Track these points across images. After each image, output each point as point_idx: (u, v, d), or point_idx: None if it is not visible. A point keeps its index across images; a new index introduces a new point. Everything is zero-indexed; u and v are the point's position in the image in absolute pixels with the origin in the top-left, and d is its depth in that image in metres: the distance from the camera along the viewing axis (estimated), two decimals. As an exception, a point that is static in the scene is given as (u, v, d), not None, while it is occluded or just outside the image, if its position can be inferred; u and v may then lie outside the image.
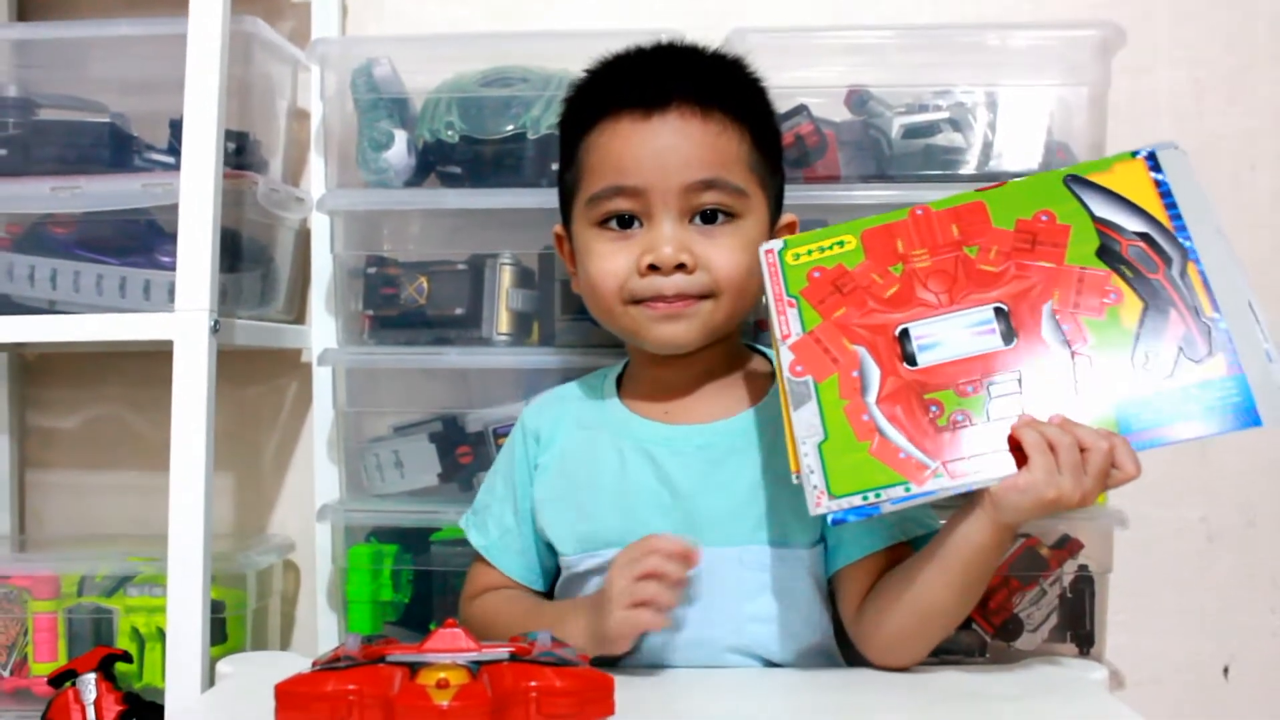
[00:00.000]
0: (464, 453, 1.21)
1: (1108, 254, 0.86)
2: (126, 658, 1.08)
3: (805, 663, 0.96)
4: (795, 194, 1.08)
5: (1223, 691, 1.34)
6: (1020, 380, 0.84)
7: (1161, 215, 0.87)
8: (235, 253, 1.20)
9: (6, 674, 1.20)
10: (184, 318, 1.08)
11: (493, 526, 1.04)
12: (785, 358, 0.87)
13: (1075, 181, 0.89)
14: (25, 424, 1.45)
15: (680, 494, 0.96)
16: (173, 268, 1.09)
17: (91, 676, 1.03)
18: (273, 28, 1.25)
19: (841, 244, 0.91)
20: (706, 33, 1.07)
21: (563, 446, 1.03)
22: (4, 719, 1.19)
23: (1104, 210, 0.87)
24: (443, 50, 1.26)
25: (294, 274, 1.35)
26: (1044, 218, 0.88)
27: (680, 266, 0.93)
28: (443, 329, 1.21)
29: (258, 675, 0.89)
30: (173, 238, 1.09)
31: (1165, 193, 0.87)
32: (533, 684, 0.74)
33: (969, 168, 1.16)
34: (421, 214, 1.25)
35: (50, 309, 1.18)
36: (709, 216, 0.95)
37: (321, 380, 1.30)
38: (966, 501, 0.86)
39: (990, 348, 0.85)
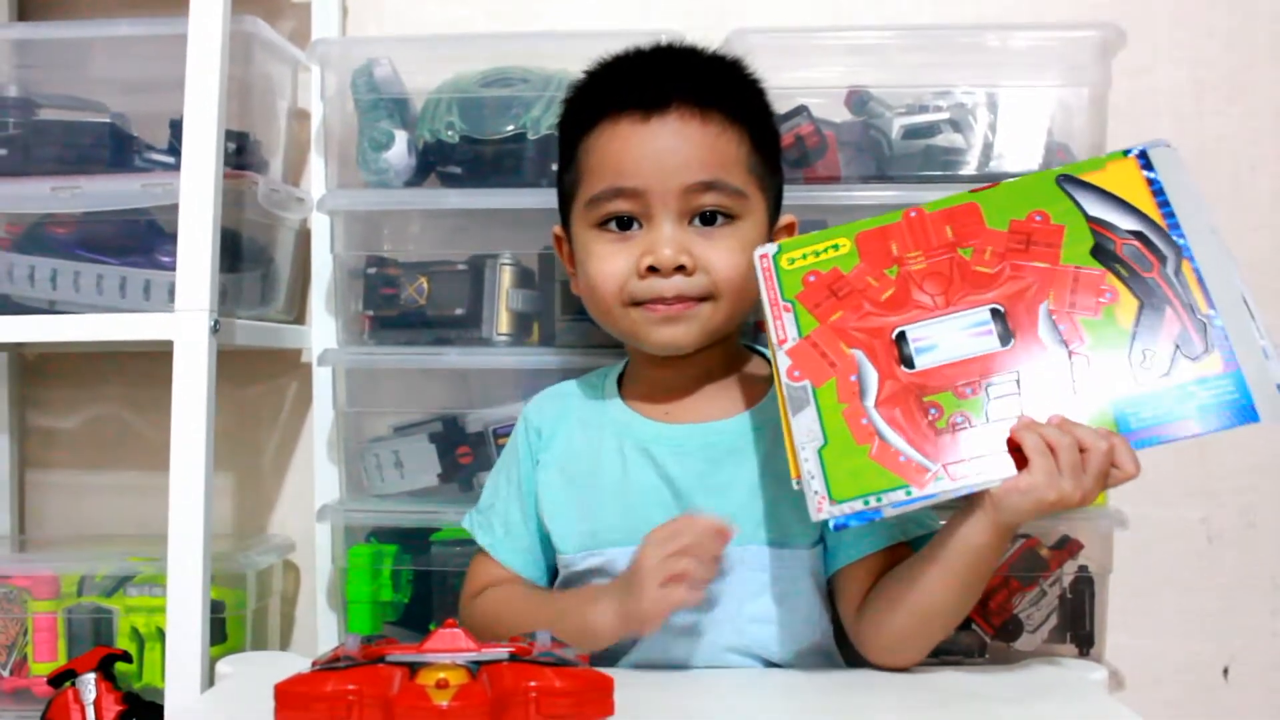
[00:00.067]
0: (464, 453, 1.21)
1: (1102, 253, 0.86)
2: (126, 658, 1.08)
3: (805, 663, 0.96)
4: (795, 194, 1.08)
5: (1222, 692, 1.34)
6: (1018, 381, 0.84)
7: (1155, 213, 0.87)
8: (235, 253, 1.20)
9: (6, 674, 1.20)
10: (184, 318, 1.08)
11: (498, 523, 1.04)
12: (783, 363, 0.87)
13: (1068, 181, 0.89)
14: (25, 424, 1.45)
15: (681, 494, 0.96)
16: (173, 268, 1.09)
17: (91, 676, 1.03)
18: (273, 28, 1.25)
19: (836, 247, 0.90)
20: (706, 33, 1.08)
21: (564, 443, 1.03)
22: (3, 719, 1.19)
23: (1097, 209, 0.87)
24: (443, 50, 1.26)
25: (294, 274, 1.35)
26: (1038, 218, 0.88)
27: (680, 268, 0.93)
28: (443, 329, 1.21)
29: (257, 675, 0.89)
30: (173, 238, 1.09)
31: (1158, 191, 0.87)
32: (532, 684, 0.74)
33: (969, 168, 1.16)
34: (421, 214, 1.25)
35: (50, 309, 1.18)
36: (708, 218, 0.95)
37: (321, 380, 1.30)
38: (967, 502, 0.86)
39: (987, 349, 0.85)
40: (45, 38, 1.26)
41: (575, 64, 1.04)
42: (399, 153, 1.20)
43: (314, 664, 0.79)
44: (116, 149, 1.20)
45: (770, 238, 1.00)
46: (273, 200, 1.25)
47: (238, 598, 1.22)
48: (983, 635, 1.15)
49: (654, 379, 1.02)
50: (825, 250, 0.90)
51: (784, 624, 0.95)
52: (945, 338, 0.86)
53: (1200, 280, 0.84)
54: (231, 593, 1.21)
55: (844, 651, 0.99)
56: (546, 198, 1.07)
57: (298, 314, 1.38)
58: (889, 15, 1.35)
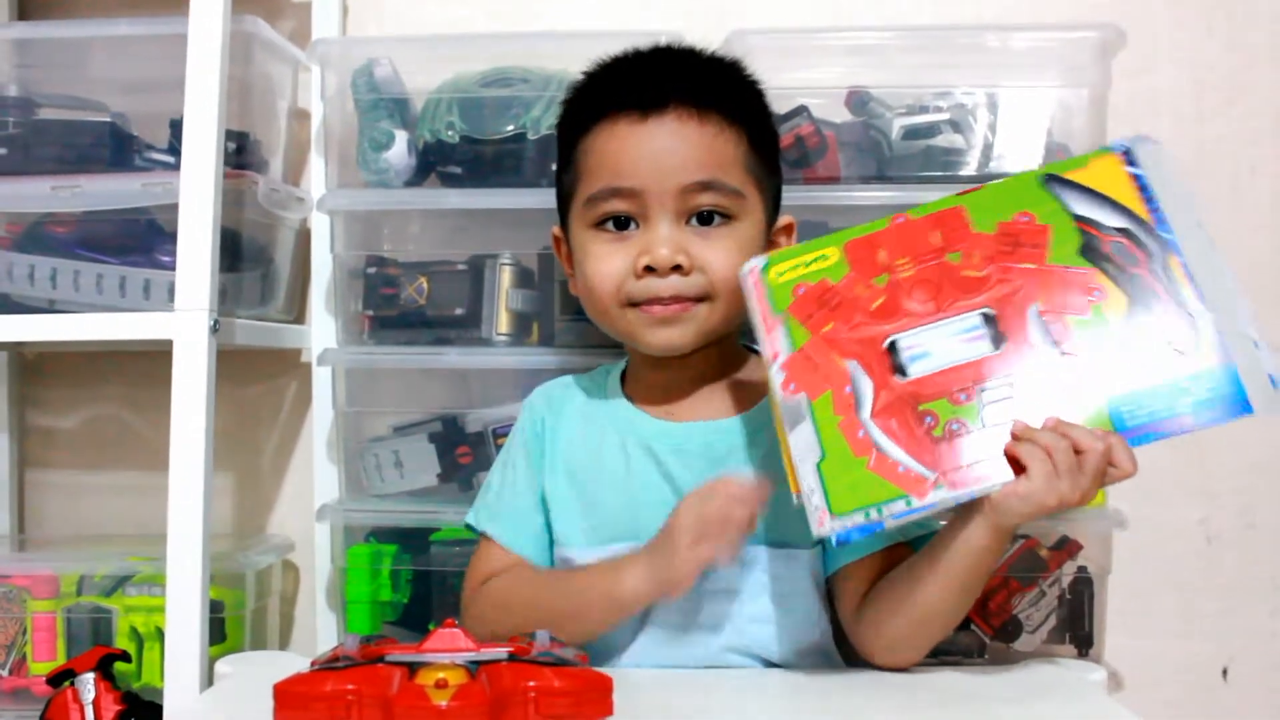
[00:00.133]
0: (463, 453, 1.21)
1: (1090, 251, 0.85)
2: (125, 657, 1.08)
3: (804, 663, 0.96)
4: (795, 195, 1.08)
5: (1222, 693, 1.34)
6: (1012, 384, 0.83)
7: (1140, 209, 0.86)
8: (235, 252, 1.20)
9: (5, 673, 1.20)
10: (184, 317, 1.08)
11: (505, 511, 1.03)
12: (776, 378, 0.86)
13: (1052, 180, 0.88)
14: (25, 423, 1.45)
15: (682, 492, 0.96)
16: (172, 267, 1.09)
17: (90, 676, 1.03)
18: (273, 28, 1.25)
19: (824, 258, 0.89)
20: (706, 34, 1.08)
21: (567, 436, 1.03)
22: (3, 718, 1.19)
23: (1083, 208, 0.87)
24: (443, 50, 1.26)
25: (294, 274, 1.35)
26: (1024, 219, 0.87)
27: (676, 268, 0.93)
28: (442, 329, 1.21)
29: (256, 675, 0.89)
30: (172, 237, 1.09)
31: (1142, 186, 0.87)
32: (531, 684, 0.74)
33: (969, 169, 1.16)
34: (421, 214, 1.25)
35: (50, 308, 1.18)
36: (705, 218, 0.95)
37: (321, 380, 1.30)
38: (966, 506, 0.85)
39: (980, 354, 0.84)
40: (45, 37, 1.26)
41: (575, 64, 1.04)
42: (399, 153, 1.20)
43: (313, 664, 0.79)
44: (116, 148, 1.20)
45: (769, 239, 1.00)
46: (273, 200, 1.25)
47: (237, 597, 1.22)
48: (982, 636, 1.15)
49: (653, 379, 1.02)
50: (814, 261, 0.89)
51: (784, 624, 0.95)
52: (937, 344, 0.85)
53: (1188, 274, 0.84)
54: (231, 592, 1.21)
55: (843, 651, 0.99)
56: (546, 198, 1.07)
57: (297, 314, 1.38)
58: (889, 16, 1.35)
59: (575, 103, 1.02)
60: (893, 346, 0.85)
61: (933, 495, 0.81)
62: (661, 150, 0.94)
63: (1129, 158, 0.88)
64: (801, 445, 0.84)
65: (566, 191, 1.01)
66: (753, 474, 0.95)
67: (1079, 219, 0.86)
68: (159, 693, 1.09)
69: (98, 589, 1.20)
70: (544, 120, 1.17)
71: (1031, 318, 0.84)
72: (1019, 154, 1.16)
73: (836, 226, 1.12)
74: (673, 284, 0.94)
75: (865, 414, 0.84)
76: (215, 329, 1.08)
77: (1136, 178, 0.87)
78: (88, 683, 1.02)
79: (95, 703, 1.02)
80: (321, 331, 1.31)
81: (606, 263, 0.96)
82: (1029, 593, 1.14)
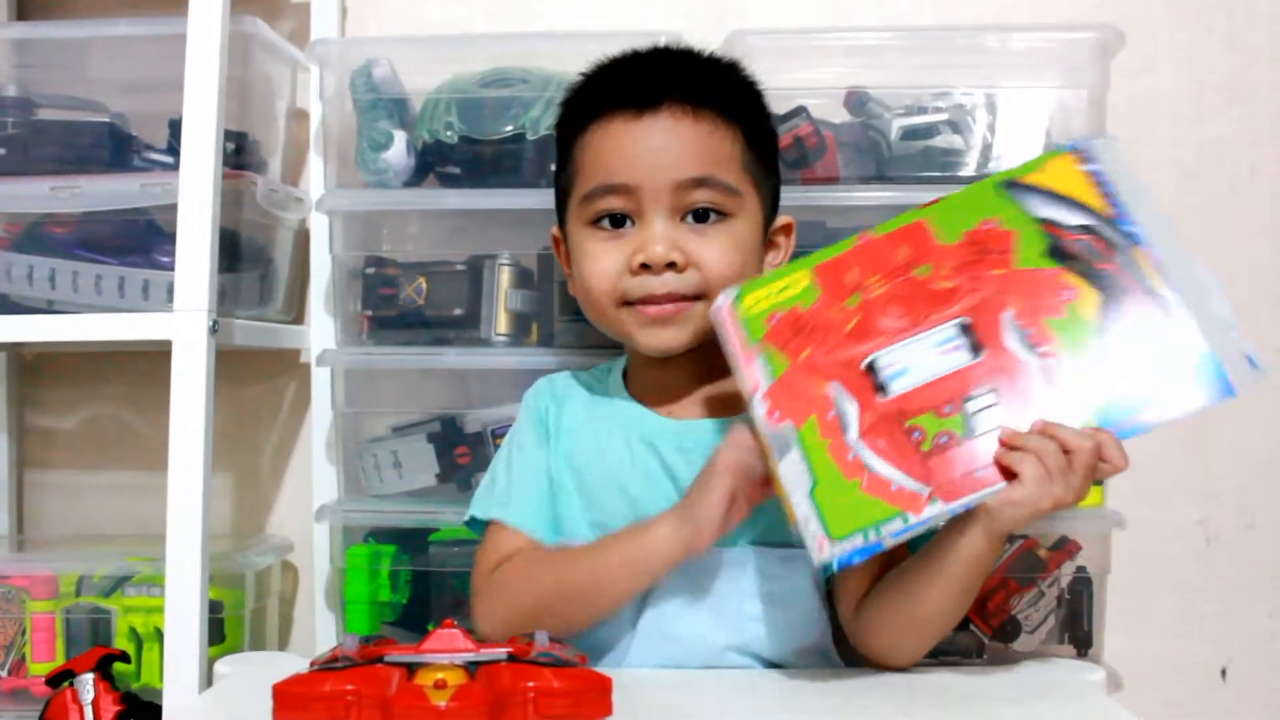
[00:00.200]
0: (462, 453, 1.21)
1: (1056, 252, 0.85)
2: (124, 658, 1.08)
3: (804, 663, 0.96)
4: (794, 195, 1.08)
5: (1221, 693, 1.34)
6: (995, 391, 0.83)
7: (1099, 205, 0.86)
8: (234, 253, 1.20)
9: (4, 674, 1.20)
10: (182, 318, 1.08)
11: (516, 496, 1.01)
12: (759, 409, 0.86)
13: (1011, 186, 0.88)
14: (24, 424, 1.45)
15: (684, 490, 0.96)
16: (171, 267, 1.09)
17: (89, 676, 1.03)
18: (272, 28, 1.25)
19: (795, 284, 0.89)
20: (706, 34, 1.08)
21: (571, 428, 1.02)
22: (2, 719, 1.19)
23: (1044, 209, 0.87)
24: (442, 51, 1.26)
25: (293, 274, 1.35)
26: (988, 226, 0.87)
27: (671, 265, 0.93)
28: (441, 329, 1.21)
29: (256, 675, 0.89)
30: (172, 238, 1.09)
31: (1100, 182, 0.87)
32: (530, 684, 0.74)
33: (968, 169, 1.16)
34: (421, 214, 1.25)
35: (49, 309, 1.18)
36: (701, 215, 0.95)
37: (320, 381, 1.30)
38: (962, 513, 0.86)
39: (960, 364, 0.84)
40: (45, 37, 1.26)
41: (575, 64, 1.04)
42: (398, 153, 1.20)
43: (312, 664, 0.79)
44: (115, 149, 1.20)
45: (767, 238, 1.00)
46: (271, 200, 1.25)
47: (236, 598, 1.22)
48: (981, 636, 1.15)
49: (653, 378, 1.02)
50: (784, 289, 0.89)
51: (783, 624, 0.96)
52: (916, 359, 0.84)
53: (1156, 264, 0.84)
54: (230, 593, 1.21)
55: (843, 651, 0.99)
56: (545, 198, 1.07)
57: (296, 314, 1.38)
58: (888, 16, 1.35)
59: (573, 102, 1.02)
60: (871, 366, 0.85)
61: (928, 510, 0.81)
62: (656, 147, 0.94)
63: (1083, 155, 0.88)
64: (792, 474, 0.83)
65: (563, 191, 1.01)
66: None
67: (1042, 221, 0.86)
68: (158, 693, 1.09)
69: (97, 589, 1.20)
70: (543, 121, 1.17)
71: (1007, 323, 0.84)
72: (1018, 155, 1.15)
73: (835, 227, 1.13)
74: (667, 282, 0.94)
75: (852, 436, 0.83)
76: (214, 329, 1.08)
77: (1093, 174, 0.87)
78: (87, 683, 1.02)
79: (94, 703, 1.02)
80: (320, 332, 1.31)
81: (602, 260, 0.96)
82: (1028, 593, 1.14)
